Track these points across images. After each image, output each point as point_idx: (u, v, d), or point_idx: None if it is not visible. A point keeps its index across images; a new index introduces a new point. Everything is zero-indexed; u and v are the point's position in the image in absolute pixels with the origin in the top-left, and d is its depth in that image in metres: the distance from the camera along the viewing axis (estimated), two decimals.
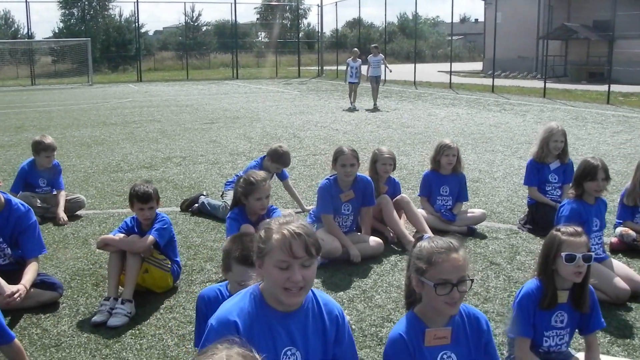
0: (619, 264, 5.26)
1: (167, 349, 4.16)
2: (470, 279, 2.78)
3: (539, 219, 6.67)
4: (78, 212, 7.41)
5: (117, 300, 4.61)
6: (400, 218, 6.41)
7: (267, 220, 2.74)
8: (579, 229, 3.57)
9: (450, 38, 39.43)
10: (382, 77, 20.48)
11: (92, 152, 11.81)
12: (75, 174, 9.70)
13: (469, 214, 6.86)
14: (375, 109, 19.27)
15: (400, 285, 5.22)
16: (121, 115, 17.89)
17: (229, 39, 48.70)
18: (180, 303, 4.88)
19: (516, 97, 23.39)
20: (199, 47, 53.53)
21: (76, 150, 12.05)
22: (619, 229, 6.13)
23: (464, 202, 7.00)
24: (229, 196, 7.28)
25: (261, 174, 5.22)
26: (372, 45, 22.44)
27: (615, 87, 22.38)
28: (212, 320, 2.68)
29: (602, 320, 3.65)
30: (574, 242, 3.48)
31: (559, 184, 6.98)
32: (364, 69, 21.11)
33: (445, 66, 38.88)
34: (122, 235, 4.85)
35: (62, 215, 7.01)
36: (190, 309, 4.76)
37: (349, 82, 20.55)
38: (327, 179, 6.05)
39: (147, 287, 4.93)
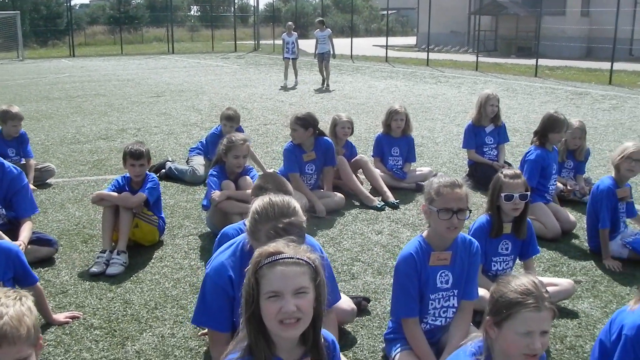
0: (557, 207, 6.15)
1: (166, 290, 4.69)
2: (469, 210, 3.43)
3: (478, 177, 7.42)
4: (48, 181, 7.72)
5: (112, 252, 5.09)
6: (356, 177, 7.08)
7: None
8: (518, 172, 4.35)
9: (385, 12, 40.17)
10: (332, 53, 18.84)
11: (43, 125, 11.93)
12: (34, 147, 9.88)
13: (417, 172, 7.61)
14: (326, 88, 18.06)
15: (363, 233, 5.90)
16: (63, 90, 17.82)
17: (162, 12, 48.02)
18: (168, 254, 5.40)
19: (450, 70, 24.37)
20: (131, 21, 52.49)
21: (26, 124, 12.10)
22: None
23: (412, 163, 7.72)
24: (195, 161, 7.82)
25: (241, 135, 5.77)
26: (318, 20, 20.67)
27: (542, 61, 23.61)
28: (210, 270, 3.25)
29: (538, 247, 4.46)
30: (512, 184, 4.22)
31: (495, 144, 7.80)
32: (310, 45, 20.32)
33: (379, 40, 39.60)
34: (114, 192, 5.31)
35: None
36: (179, 258, 5.30)
37: (284, 58, 19.61)
38: (290, 142, 6.64)
39: (136, 241, 5.41)
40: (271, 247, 2.22)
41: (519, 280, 2.45)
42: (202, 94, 16.69)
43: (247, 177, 5.70)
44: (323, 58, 18.68)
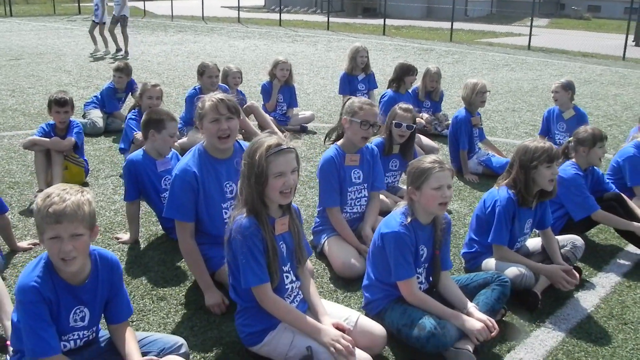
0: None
1: (109, 218, 5.33)
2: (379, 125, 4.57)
3: None
4: None
5: None
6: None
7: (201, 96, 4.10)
8: (410, 107, 5.42)
9: None
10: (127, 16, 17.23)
11: None
12: None
13: (300, 116, 8.59)
14: (123, 55, 16.52)
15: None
16: None
17: None
18: (99, 192, 5.99)
19: (303, 30, 25.46)
20: None
21: None
22: None
23: (295, 108, 8.69)
24: (93, 114, 8.27)
25: (155, 81, 6.49)
26: None
27: (388, 21, 25.35)
28: (177, 171, 4.01)
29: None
30: (402, 115, 5.30)
31: (366, 90, 8.95)
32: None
33: (227, 2, 39.81)
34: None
35: None
36: (109, 194, 5.91)
37: (92, 21, 17.43)
38: (194, 88, 7.45)
39: (65, 182, 5.92)
40: (273, 140, 3.10)
41: (428, 157, 3.53)
42: (63, 56, 16.45)
43: None
44: (116, 20, 16.98)
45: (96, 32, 17.20)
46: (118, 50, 17.19)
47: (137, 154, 4.86)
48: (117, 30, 17.09)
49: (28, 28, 26.62)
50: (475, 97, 6.72)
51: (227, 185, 4.04)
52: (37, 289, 2.82)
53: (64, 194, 2.82)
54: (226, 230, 3.20)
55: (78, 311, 2.99)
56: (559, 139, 7.12)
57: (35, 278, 2.84)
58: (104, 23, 17.10)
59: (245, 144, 4.17)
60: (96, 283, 3.02)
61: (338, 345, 3.02)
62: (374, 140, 5.40)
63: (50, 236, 2.77)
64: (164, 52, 17.39)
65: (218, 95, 3.97)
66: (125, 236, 4.87)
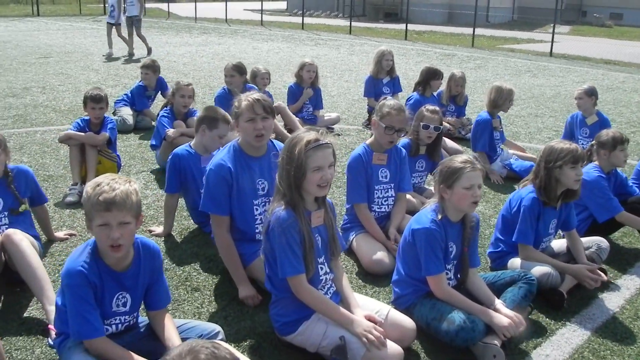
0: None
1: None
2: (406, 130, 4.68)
3: None
4: None
5: (83, 184, 5.76)
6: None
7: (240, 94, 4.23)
8: (437, 108, 5.52)
9: None
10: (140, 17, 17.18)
11: None
12: None
13: (326, 117, 8.71)
14: (129, 56, 16.78)
15: None
16: None
17: None
18: None
19: (325, 33, 25.62)
20: None
21: None
22: None
23: (320, 110, 8.81)
24: (123, 112, 8.44)
25: (188, 80, 6.62)
26: None
27: (409, 26, 25.42)
28: (212, 166, 4.13)
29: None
30: (429, 117, 5.39)
31: (390, 93, 9.04)
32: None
33: (250, 5, 40.13)
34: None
35: None
36: (140, 188, 6.05)
37: (107, 23, 17.06)
38: (222, 88, 7.64)
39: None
40: (312, 135, 3.21)
41: (459, 156, 3.62)
42: (90, 55, 16.74)
43: (194, 117, 6.52)
44: (130, 22, 16.87)
45: (113, 34, 16.81)
46: (149, 50, 17.12)
47: (183, 148, 4.99)
48: (126, 32, 17.02)
49: (55, 27, 27.06)
50: (505, 102, 6.85)
51: (260, 183, 4.14)
52: (84, 273, 2.95)
53: (114, 183, 2.95)
54: (264, 223, 3.32)
55: (120, 297, 3.12)
56: (582, 144, 7.16)
57: (82, 263, 2.97)
58: (120, 24, 16.90)
59: (278, 143, 4.30)
60: (138, 270, 3.15)
61: (370, 336, 3.12)
62: (402, 142, 5.49)
63: (99, 223, 2.90)
64: (189, 53, 17.61)
65: (254, 95, 4.08)
66: (159, 229, 5.01)
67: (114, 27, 16.73)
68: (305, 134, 3.24)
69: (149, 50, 17.01)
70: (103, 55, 16.56)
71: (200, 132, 4.93)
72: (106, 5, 30.42)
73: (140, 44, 17.09)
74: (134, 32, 16.81)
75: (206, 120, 4.91)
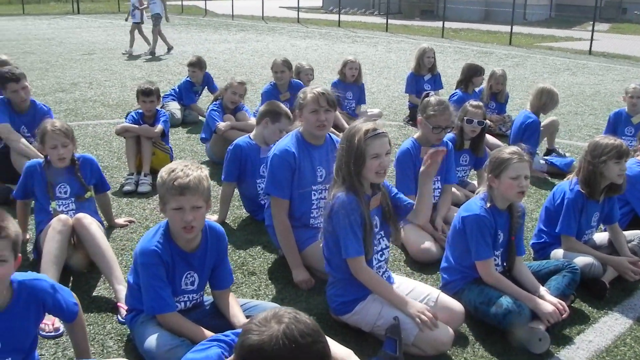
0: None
1: None
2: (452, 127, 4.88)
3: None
4: None
5: (139, 174, 6.04)
6: None
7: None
8: (480, 104, 5.67)
9: None
10: (163, 16, 17.13)
11: None
12: None
13: (369, 112, 8.89)
14: (151, 54, 16.71)
15: None
16: None
17: None
18: None
19: (362, 31, 25.74)
20: None
21: None
22: None
23: (362, 105, 9.00)
24: (171, 106, 8.73)
25: (241, 79, 6.89)
26: None
27: (446, 24, 25.40)
28: (276, 151, 4.35)
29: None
30: (473, 112, 5.54)
31: (432, 91, 9.13)
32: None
33: (285, 2, 40.40)
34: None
35: None
36: None
37: (133, 22, 17.26)
38: (269, 83, 7.90)
39: (152, 167, 6.35)
40: (370, 124, 3.41)
41: (508, 147, 3.78)
42: (133, 52, 17.13)
43: (244, 111, 6.80)
44: (152, 20, 16.91)
45: (136, 33, 17.17)
46: (169, 48, 17.40)
47: (244, 139, 5.23)
48: (148, 30, 17.19)
49: (95, 25, 27.67)
50: (554, 106, 6.95)
51: (319, 170, 4.36)
52: (158, 252, 3.19)
53: (187, 170, 3.17)
54: (325, 207, 3.52)
55: (189, 276, 3.36)
56: (625, 142, 7.20)
57: (156, 243, 3.21)
58: (142, 22, 17.24)
59: (333, 135, 4.53)
60: (205, 251, 3.38)
61: (423, 317, 3.31)
62: (447, 136, 5.65)
63: (174, 207, 3.13)
64: (229, 50, 17.93)
65: (319, 88, 4.30)
66: (213, 217, 5.24)
67: (138, 25, 17.13)
68: (364, 124, 3.44)
69: (169, 48, 17.23)
70: (123, 54, 16.75)
71: (262, 124, 5.14)
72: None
73: (160, 42, 17.25)
74: (153, 30, 16.98)
75: (270, 114, 5.13)
